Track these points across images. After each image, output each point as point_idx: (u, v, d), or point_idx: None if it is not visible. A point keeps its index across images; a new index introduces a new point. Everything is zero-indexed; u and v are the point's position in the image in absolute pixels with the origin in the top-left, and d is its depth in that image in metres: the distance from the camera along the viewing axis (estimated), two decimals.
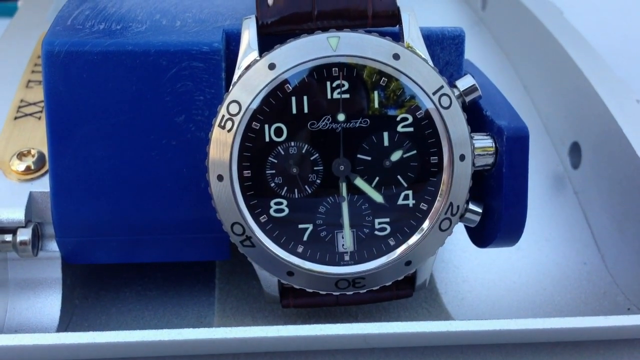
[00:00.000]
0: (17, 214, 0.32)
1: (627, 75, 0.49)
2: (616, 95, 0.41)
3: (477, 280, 0.38)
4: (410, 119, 0.30)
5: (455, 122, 0.30)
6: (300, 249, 0.30)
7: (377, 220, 0.31)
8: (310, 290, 0.31)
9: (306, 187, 0.30)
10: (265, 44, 0.30)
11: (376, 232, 0.31)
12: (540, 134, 0.48)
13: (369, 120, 0.30)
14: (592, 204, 0.41)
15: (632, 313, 0.36)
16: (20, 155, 0.34)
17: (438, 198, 0.30)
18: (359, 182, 0.30)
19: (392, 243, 0.31)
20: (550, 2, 0.54)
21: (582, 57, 0.46)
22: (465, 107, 0.30)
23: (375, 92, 0.30)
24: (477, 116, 0.32)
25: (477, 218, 0.31)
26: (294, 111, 0.29)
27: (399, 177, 0.30)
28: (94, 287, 0.36)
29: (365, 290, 0.31)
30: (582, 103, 0.43)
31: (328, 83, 0.29)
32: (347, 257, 0.31)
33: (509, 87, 0.53)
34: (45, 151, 0.33)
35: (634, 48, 0.60)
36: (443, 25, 0.33)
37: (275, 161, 0.30)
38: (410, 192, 0.30)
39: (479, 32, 0.61)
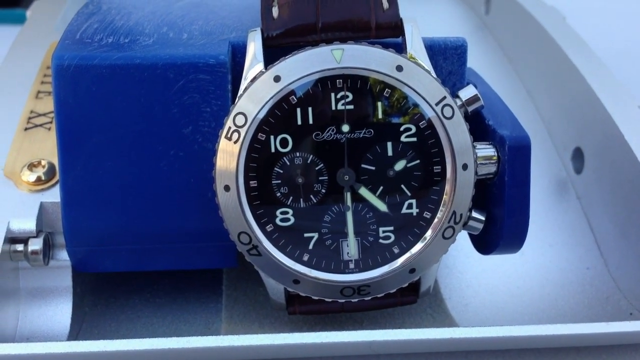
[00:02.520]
0: (29, 224, 0.33)
1: (629, 81, 0.49)
2: (618, 101, 0.42)
3: (481, 285, 0.38)
4: (414, 129, 0.30)
5: (457, 131, 0.30)
6: (305, 258, 0.31)
7: (381, 229, 0.31)
8: (316, 298, 0.32)
9: (311, 196, 0.31)
10: (271, 55, 0.30)
11: (380, 241, 0.31)
12: (543, 139, 0.48)
13: (372, 131, 0.30)
14: (595, 209, 0.42)
15: (635, 318, 0.36)
16: (31, 166, 0.34)
17: (441, 207, 0.31)
18: (364, 191, 0.31)
19: (396, 251, 0.31)
20: (552, 8, 0.55)
21: (584, 62, 0.46)
22: (468, 117, 0.31)
23: (379, 103, 0.30)
24: (479, 125, 0.33)
25: (480, 226, 0.32)
26: (299, 122, 0.30)
27: (402, 186, 0.31)
28: (104, 295, 0.37)
29: (370, 298, 0.32)
30: (584, 108, 0.44)
31: (332, 94, 0.30)
32: (352, 265, 0.31)
33: (512, 92, 0.53)
34: (56, 162, 0.34)
35: (636, 54, 0.60)
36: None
37: (281, 171, 0.30)
38: (413, 201, 0.31)
39: (483, 36, 0.61)
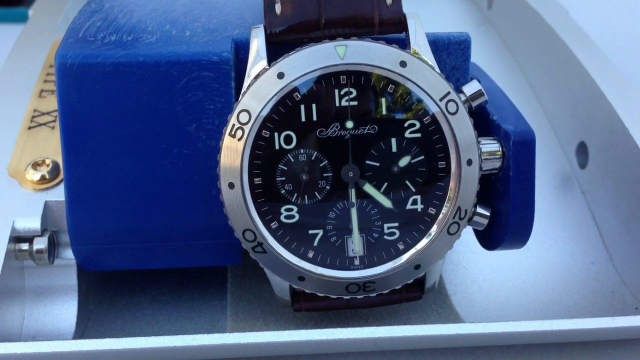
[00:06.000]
0: (33, 223, 0.33)
1: (633, 75, 0.49)
2: (622, 95, 0.41)
3: (486, 281, 0.38)
4: (418, 125, 0.30)
5: (462, 127, 0.30)
6: (310, 254, 0.31)
7: (386, 225, 0.31)
8: (321, 294, 0.32)
9: (316, 193, 0.31)
10: (274, 52, 0.30)
11: (385, 237, 0.31)
12: (547, 133, 0.48)
13: (377, 127, 0.30)
14: (600, 203, 0.42)
15: None
16: (35, 165, 0.34)
17: (446, 202, 0.31)
18: (368, 187, 0.31)
19: (401, 247, 0.31)
20: (555, 2, 0.54)
21: (587, 56, 0.46)
22: (472, 112, 0.31)
23: (383, 99, 0.30)
24: (484, 121, 0.32)
25: (485, 221, 0.32)
26: (303, 119, 0.30)
27: (407, 182, 0.31)
28: (109, 293, 0.37)
29: (375, 294, 0.32)
30: (588, 103, 0.44)
31: (336, 91, 0.30)
32: (357, 262, 0.31)
33: (516, 87, 0.53)
34: (60, 160, 0.34)
35: None
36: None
37: (285, 168, 0.30)
38: (418, 197, 0.31)
39: (485, 31, 0.61)
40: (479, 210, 0.32)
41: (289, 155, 0.30)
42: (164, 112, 0.31)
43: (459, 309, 0.36)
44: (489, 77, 0.36)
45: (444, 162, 0.30)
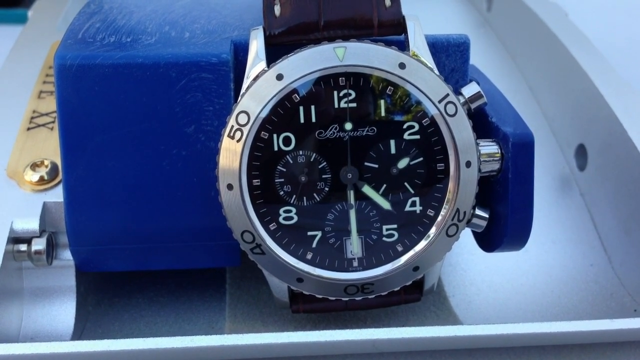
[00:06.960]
0: (32, 224, 0.33)
1: (632, 77, 0.49)
2: (621, 97, 0.41)
3: (485, 283, 0.38)
4: (417, 127, 0.30)
5: (461, 129, 0.30)
6: (309, 256, 0.31)
7: (384, 227, 0.31)
8: (320, 296, 0.32)
9: (315, 195, 0.31)
10: (273, 54, 0.30)
11: (384, 239, 0.31)
12: (546, 136, 0.48)
13: (375, 129, 0.30)
14: (599, 205, 0.42)
15: (639, 315, 0.36)
16: (34, 166, 0.34)
17: (445, 204, 0.31)
18: (367, 189, 0.31)
19: (399, 249, 0.31)
20: (554, 4, 0.54)
21: (587, 59, 0.46)
22: (471, 114, 0.31)
23: (382, 101, 0.30)
24: (482, 123, 0.32)
25: (484, 223, 0.32)
26: (302, 120, 0.30)
27: (406, 184, 0.31)
28: (107, 294, 0.37)
29: (373, 296, 0.32)
30: (587, 105, 0.44)
31: (335, 92, 0.30)
32: (355, 263, 0.31)
33: (515, 89, 0.53)
34: (58, 161, 0.34)
35: (639, 50, 0.60)
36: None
37: (284, 170, 0.30)
38: (417, 199, 0.31)
39: (485, 33, 0.61)
40: (478, 212, 0.32)
41: (287, 156, 0.30)
42: (163, 113, 0.31)
43: (457, 311, 0.36)
44: (488, 79, 0.36)
45: (443, 164, 0.30)
